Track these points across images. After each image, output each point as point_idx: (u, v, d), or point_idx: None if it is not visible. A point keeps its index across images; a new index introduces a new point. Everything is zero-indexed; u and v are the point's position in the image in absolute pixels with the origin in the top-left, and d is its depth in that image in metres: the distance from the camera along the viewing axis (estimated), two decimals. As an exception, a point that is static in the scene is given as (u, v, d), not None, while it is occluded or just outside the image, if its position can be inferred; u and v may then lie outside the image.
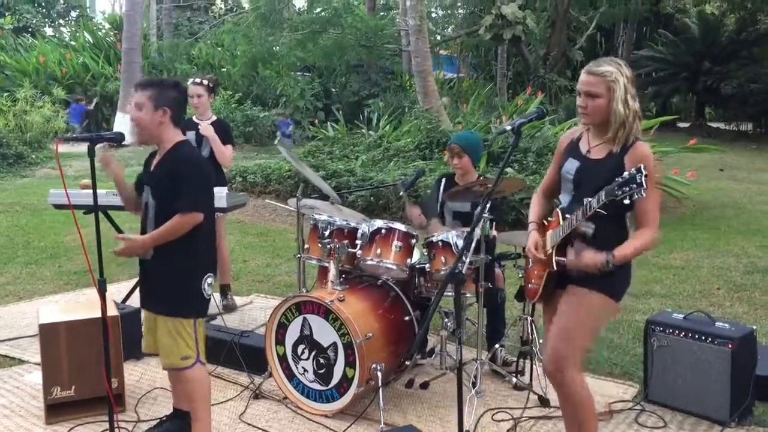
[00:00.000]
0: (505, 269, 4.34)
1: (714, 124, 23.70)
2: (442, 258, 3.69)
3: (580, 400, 2.78)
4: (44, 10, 31.05)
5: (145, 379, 3.96)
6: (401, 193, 4.39)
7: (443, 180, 4.35)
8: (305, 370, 3.60)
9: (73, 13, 32.80)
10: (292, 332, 3.63)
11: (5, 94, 15.93)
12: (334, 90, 20.88)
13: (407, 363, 3.76)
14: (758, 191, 11.51)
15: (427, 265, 3.74)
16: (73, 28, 29.87)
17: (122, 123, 16.03)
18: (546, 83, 19.06)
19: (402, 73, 20.48)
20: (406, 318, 3.71)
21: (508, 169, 8.50)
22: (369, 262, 3.72)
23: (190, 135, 4.76)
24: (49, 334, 3.43)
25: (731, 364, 3.34)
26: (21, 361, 4.23)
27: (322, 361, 3.54)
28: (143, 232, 3.02)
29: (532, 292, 2.93)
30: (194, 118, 5.00)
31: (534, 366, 3.82)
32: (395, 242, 3.72)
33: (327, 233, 3.84)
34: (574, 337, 2.72)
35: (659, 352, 3.58)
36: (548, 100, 17.30)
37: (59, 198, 4.59)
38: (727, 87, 21.16)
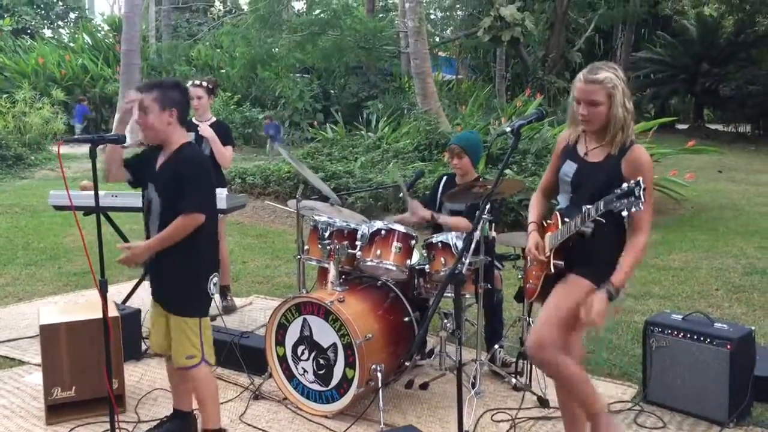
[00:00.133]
0: (504, 270, 4.34)
1: (712, 126, 23.77)
2: (442, 259, 3.70)
3: (569, 374, 2.74)
4: (43, 12, 31.08)
5: (145, 380, 3.96)
6: (402, 191, 4.38)
7: (444, 179, 4.35)
8: (305, 371, 3.61)
9: (72, 15, 32.84)
10: (292, 333, 3.64)
11: (4, 96, 15.93)
12: (333, 91, 20.91)
13: (407, 364, 3.76)
14: (756, 192, 11.54)
15: (427, 266, 3.75)
16: (72, 30, 29.93)
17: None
18: (545, 85, 19.07)
19: (401, 75, 20.51)
20: (406, 319, 3.71)
21: (507, 171, 8.51)
22: (369, 263, 3.73)
23: (190, 136, 4.76)
24: (49, 334, 3.43)
25: (730, 365, 3.34)
26: (21, 362, 4.23)
27: (322, 361, 3.55)
28: (147, 226, 3.04)
29: (530, 292, 2.97)
30: (194, 120, 5.01)
31: (533, 367, 3.83)
32: (395, 243, 3.72)
33: (327, 234, 3.85)
34: (555, 316, 2.70)
35: (658, 352, 3.59)
36: (547, 101, 17.31)
37: (60, 199, 4.59)
38: (726, 89, 21.23)
